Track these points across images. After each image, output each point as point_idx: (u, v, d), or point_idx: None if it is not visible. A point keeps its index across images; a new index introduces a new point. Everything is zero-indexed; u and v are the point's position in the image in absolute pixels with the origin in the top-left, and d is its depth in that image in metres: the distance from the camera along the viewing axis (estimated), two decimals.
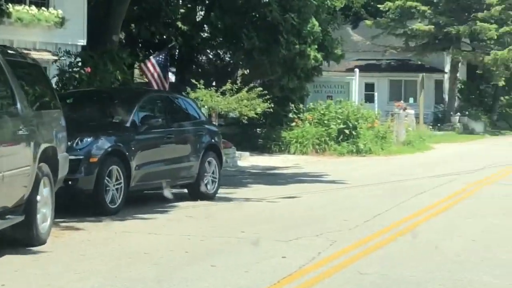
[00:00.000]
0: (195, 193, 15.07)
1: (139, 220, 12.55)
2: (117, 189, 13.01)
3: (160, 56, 22.98)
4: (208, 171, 15.20)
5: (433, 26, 44.09)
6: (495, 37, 42.64)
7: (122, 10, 20.99)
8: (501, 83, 44.08)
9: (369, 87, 48.10)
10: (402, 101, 39.55)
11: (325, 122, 28.67)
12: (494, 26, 42.77)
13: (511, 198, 16.27)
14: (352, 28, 51.84)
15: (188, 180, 14.88)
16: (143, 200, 14.48)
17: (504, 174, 21.50)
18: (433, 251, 10.10)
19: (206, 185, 15.12)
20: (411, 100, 42.51)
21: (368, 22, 45.98)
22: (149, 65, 22.37)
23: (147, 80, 23.03)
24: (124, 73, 19.69)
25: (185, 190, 15.33)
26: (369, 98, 47.24)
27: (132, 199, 13.87)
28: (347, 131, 28.17)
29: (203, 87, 24.85)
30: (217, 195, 15.51)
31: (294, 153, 27.81)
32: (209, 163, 15.29)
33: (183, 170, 14.68)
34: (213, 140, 15.66)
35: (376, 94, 38.41)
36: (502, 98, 55.46)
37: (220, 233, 11.45)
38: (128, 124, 13.72)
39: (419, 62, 45.80)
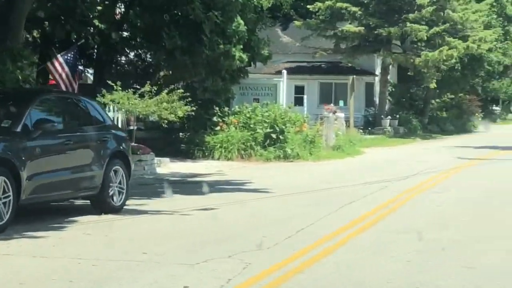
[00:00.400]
0: (99, 206, 13.46)
1: (28, 240, 10.89)
2: (4, 203, 11.32)
3: (69, 55, 21.20)
4: (114, 181, 13.59)
5: (363, 28, 43.14)
6: (426, 38, 41.88)
7: (24, 7, 19.18)
8: (433, 85, 43.31)
9: (299, 90, 46.96)
10: (332, 104, 38.44)
11: (251, 126, 27.24)
12: (425, 27, 42.01)
13: (445, 207, 15.04)
14: (282, 29, 50.70)
15: (91, 192, 13.25)
16: (39, 214, 12.81)
17: (436, 181, 20.37)
18: (360, 277, 8.73)
19: (111, 196, 13.51)
20: (341, 103, 41.43)
21: (297, 23, 44.84)
22: (56, 64, 20.57)
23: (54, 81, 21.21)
24: (25, 72, 17.92)
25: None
26: (299, 101, 46.11)
27: (26, 214, 12.21)
28: (274, 136, 26.79)
29: (120, 88, 23.17)
30: (125, 207, 13.92)
31: (218, 159, 26.31)
32: (115, 172, 13.68)
33: (84, 181, 13.05)
34: (120, 147, 14.06)
35: (305, 97, 37.24)
36: (433, 101, 55.05)
37: (118, 254, 9.89)
38: (18, 129, 12.01)
39: (350, 64, 44.78)
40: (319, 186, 18.66)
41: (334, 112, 30.78)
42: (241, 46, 27.00)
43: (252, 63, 29.55)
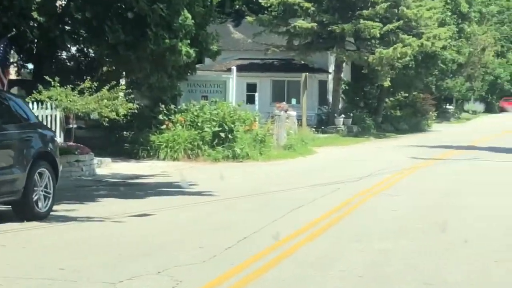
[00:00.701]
0: (21, 212, 12.19)
1: None
2: None
3: None
4: (38, 184, 12.32)
5: (316, 24, 42.13)
6: (379, 35, 41.01)
7: None
8: (387, 83, 42.48)
9: (251, 88, 45.92)
10: (284, 102, 37.43)
11: (199, 124, 26.05)
12: (379, 24, 41.18)
13: (401, 213, 14.01)
14: (234, 25, 49.56)
15: (11, 197, 11.95)
16: None
17: (391, 183, 19.41)
18: None
19: (36, 202, 12.24)
20: (293, 101, 40.41)
21: (249, 18, 43.69)
22: None
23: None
24: None
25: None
26: (251, 99, 45.11)
27: None
28: (222, 135, 25.63)
29: (58, 84, 21.85)
30: (52, 213, 12.68)
31: (164, 159, 25.09)
32: (41, 175, 12.41)
33: (3, 184, 11.75)
34: (46, 147, 12.81)
35: (257, 95, 36.27)
36: (387, 99, 54.35)
37: (32, 271, 8.66)
38: None
39: (302, 62, 43.72)
40: (267, 189, 17.58)
41: (286, 111, 29.69)
42: (188, 41, 25.80)
43: (201, 59, 28.41)
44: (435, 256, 9.87)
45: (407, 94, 54.17)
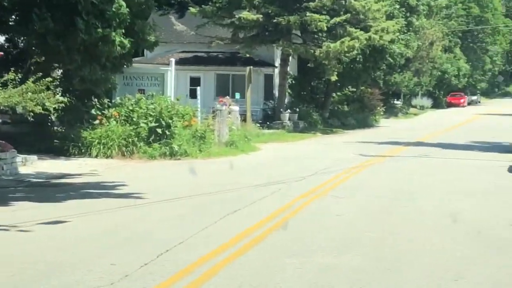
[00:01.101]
0: None
1: None
2: None
3: None
4: None
5: (261, 16, 40.75)
6: (326, 28, 39.79)
7: None
8: (334, 78, 41.26)
9: (195, 81, 44.41)
10: (227, 97, 36.04)
11: (134, 119, 24.50)
12: (326, 17, 39.98)
13: (346, 218, 12.68)
14: (178, 17, 47.99)
15: None
16: None
17: (337, 183, 18.10)
18: None
19: None
20: (237, 95, 38.96)
21: (192, 10, 42.12)
22: None
23: None
24: None
25: None
26: (194, 93, 43.52)
27: None
28: (159, 130, 24.10)
29: None
30: None
31: (96, 157, 23.47)
32: None
33: None
34: None
35: (198, 88, 34.24)
36: (334, 94, 53.27)
37: None
38: None
39: (248, 55, 42.27)
40: (203, 190, 16.13)
41: (228, 105, 28.24)
42: (123, 31, 24.22)
43: (138, 50, 26.81)
44: (384, 274, 8.53)
45: (354, 89, 53.16)
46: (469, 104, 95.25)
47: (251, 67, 36.89)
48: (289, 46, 41.02)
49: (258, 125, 39.83)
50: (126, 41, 24.11)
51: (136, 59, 43.61)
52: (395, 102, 69.49)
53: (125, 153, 23.78)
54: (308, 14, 39.78)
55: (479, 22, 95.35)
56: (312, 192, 15.89)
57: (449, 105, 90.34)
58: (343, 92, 53.63)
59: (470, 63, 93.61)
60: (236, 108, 30.52)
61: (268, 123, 40.88)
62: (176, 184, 17.63)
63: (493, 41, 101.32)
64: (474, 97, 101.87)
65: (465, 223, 12.08)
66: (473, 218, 12.68)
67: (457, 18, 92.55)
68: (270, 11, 41.15)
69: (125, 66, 26.31)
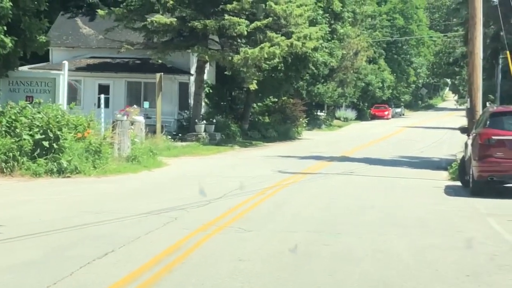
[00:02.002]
0: None
1: None
2: None
3: None
4: None
5: (175, 20, 37.65)
6: (245, 33, 36.91)
7: None
8: (253, 86, 38.33)
9: (104, 89, 41.00)
10: (135, 106, 32.79)
11: (17, 131, 21.06)
12: (245, 21, 37.14)
13: (249, 266, 9.57)
14: (89, 20, 44.46)
15: None
16: None
17: (247, 209, 15.07)
18: None
19: None
20: (146, 104, 35.78)
21: (101, 12, 38.77)
22: None
23: None
24: None
25: None
26: (104, 102, 40.13)
27: None
28: (46, 143, 20.72)
29: None
30: None
31: None
32: None
33: None
34: None
35: (102, 96, 30.72)
36: (255, 105, 50.47)
37: None
38: None
39: (160, 61, 38.97)
40: (78, 220, 12.90)
41: (129, 115, 24.98)
42: (5, 28, 20.84)
43: (25, 51, 23.42)
44: None
45: (276, 99, 50.44)
46: (393, 116, 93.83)
47: (162, 73, 33.75)
48: (205, 52, 37.99)
49: (170, 137, 36.73)
50: (7, 40, 20.73)
51: (39, 65, 40.16)
52: (319, 113, 67.11)
53: (4, 169, 20.36)
54: (226, 17, 36.84)
55: (404, 34, 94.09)
56: (214, 223, 12.82)
57: (373, 117, 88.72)
58: (264, 103, 50.86)
59: (394, 75, 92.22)
60: (140, 118, 27.27)
61: (180, 135, 37.80)
62: (43, 211, 14.28)
63: (417, 53, 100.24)
64: (398, 110, 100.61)
65: (402, 276, 9.15)
66: (411, 266, 9.78)
67: (382, 29, 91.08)
68: (185, 15, 38.12)
69: (12, 69, 22.93)
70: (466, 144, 20.12)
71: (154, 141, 31.20)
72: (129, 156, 23.55)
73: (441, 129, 67.87)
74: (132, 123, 25.42)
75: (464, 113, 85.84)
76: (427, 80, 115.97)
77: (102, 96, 30.12)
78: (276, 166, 26.44)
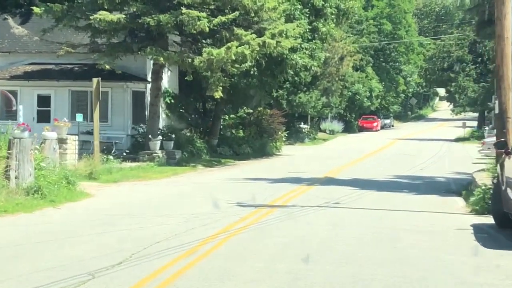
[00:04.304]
0: None
1: None
2: None
3: None
4: None
5: (124, 16, 31.20)
6: (207, 30, 30.48)
7: None
8: (218, 94, 31.82)
9: (45, 101, 34.70)
10: (65, 119, 26.46)
11: None
12: (206, 15, 30.79)
13: None
14: (23, 21, 38.02)
15: None
16: None
17: (168, 281, 8.65)
18: None
19: None
20: (79, 117, 29.24)
21: (37, 9, 32.31)
22: None
23: None
24: None
25: None
26: (44, 115, 33.79)
27: None
28: None
29: None
30: None
31: None
32: None
33: None
34: None
35: (21, 107, 24.60)
36: (227, 117, 44.06)
37: None
38: None
39: (107, 67, 32.31)
40: None
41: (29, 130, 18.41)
42: None
43: None
44: None
45: (251, 110, 44.02)
46: (382, 128, 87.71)
47: (99, 78, 27.16)
48: (160, 53, 31.50)
49: (121, 157, 30.42)
50: None
51: None
52: (302, 126, 60.63)
53: None
54: (184, 11, 30.43)
55: (392, 39, 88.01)
56: None
57: (361, 129, 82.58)
58: (237, 114, 44.42)
59: (383, 84, 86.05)
60: (51, 134, 20.70)
61: (124, 154, 31.44)
62: None
63: (406, 60, 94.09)
64: (387, 121, 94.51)
65: None
66: None
67: (369, 34, 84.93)
68: (135, 10, 31.69)
69: None
70: (502, 166, 13.76)
71: (91, 163, 24.85)
72: (30, 186, 17.02)
73: (435, 141, 61.85)
74: (42, 142, 18.92)
75: (459, 123, 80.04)
76: (417, 89, 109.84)
77: (21, 107, 23.80)
78: (238, 194, 20.09)
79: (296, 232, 13.22)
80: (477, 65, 65.50)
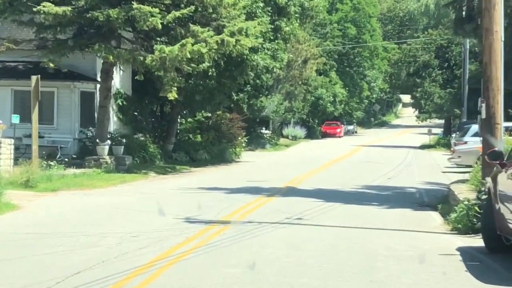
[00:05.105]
0: None
1: None
2: None
3: None
4: None
5: (70, 9, 28.69)
6: (160, 26, 28.10)
7: None
8: (172, 95, 29.43)
9: None
10: (0, 120, 23.96)
11: None
12: (158, 10, 28.41)
13: None
14: None
15: None
16: None
17: None
18: None
19: None
20: (15, 118, 26.66)
21: None
22: None
23: None
24: None
25: None
26: None
27: None
28: None
29: None
30: None
31: None
32: None
33: None
34: None
35: None
36: (184, 121, 41.72)
37: None
38: None
39: (52, 65, 29.68)
40: None
41: None
42: None
43: None
44: None
45: (210, 114, 41.66)
46: (345, 134, 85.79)
47: (38, 76, 24.72)
48: (109, 51, 29.08)
49: (66, 162, 28.01)
50: None
51: None
52: (263, 131, 58.36)
53: None
54: (135, 5, 28.04)
55: (357, 44, 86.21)
56: None
57: (324, 135, 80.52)
58: (195, 118, 42.04)
59: (347, 89, 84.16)
60: None
61: (66, 160, 28.95)
62: None
63: (371, 66, 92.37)
64: (351, 127, 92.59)
65: None
66: None
67: (333, 38, 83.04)
68: (83, 4, 29.21)
69: None
70: (494, 179, 11.62)
71: (28, 169, 22.39)
72: None
73: (400, 148, 59.91)
74: None
75: (423, 130, 78.51)
76: (381, 95, 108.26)
77: None
78: (189, 207, 17.79)
79: (250, 258, 10.94)
80: (444, 70, 63.74)
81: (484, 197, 13.81)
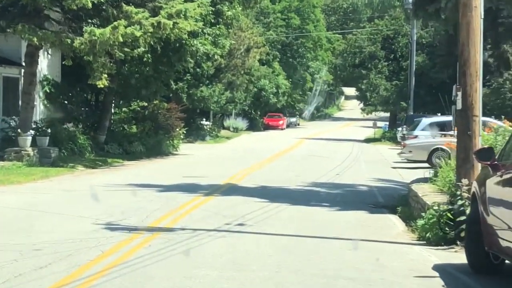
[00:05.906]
0: None
1: None
2: None
3: None
4: None
5: None
6: (90, 5, 25.48)
7: None
8: (102, 83, 26.86)
9: None
10: None
11: None
12: None
13: None
14: None
15: None
16: None
17: None
18: None
19: None
20: None
21: None
22: None
23: None
24: None
25: None
26: None
27: None
28: None
29: None
30: None
31: None
32: None
33: None
34: None
35: None
36: (118, 110, 39.07)
37: None
38: None
39: None
40: None
41: None
42: None
43: None
44: None
45: (146, 104, 39.05)
46: (287, 126, 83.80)
47: None
48: (33, 32, 26.35)
49: None
50: None
51: None
52: (203, 122, 55.88)
53: None
54: None
55: (300, 35, 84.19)
56: None
57: (267, 127, 78.44)
58: (130, 108, 39.40)
59: (290, 81, 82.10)
60: None
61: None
62: None
63: (314, 57, 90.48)
64: (293, 119, 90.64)
65: None
66: None
67: (276, 28, 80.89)
68: None
69: None
70: (481, 183, 9.45)
71: None
72: None
73: (344, 141, 58.06)
74: None
75: (366, 123, 76.88)
76: (324, 88, 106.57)
77: None
78: (114, 208, 15.35)
79: (178, 285, 8.56)
80: (390, 62, 62.05)
81: (460, 202, 11.70)
